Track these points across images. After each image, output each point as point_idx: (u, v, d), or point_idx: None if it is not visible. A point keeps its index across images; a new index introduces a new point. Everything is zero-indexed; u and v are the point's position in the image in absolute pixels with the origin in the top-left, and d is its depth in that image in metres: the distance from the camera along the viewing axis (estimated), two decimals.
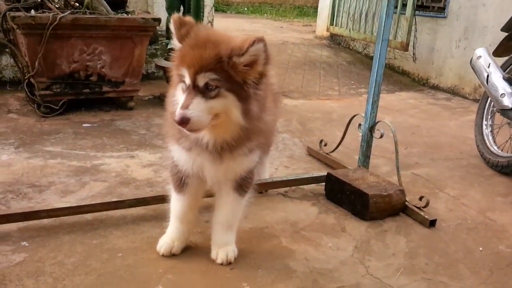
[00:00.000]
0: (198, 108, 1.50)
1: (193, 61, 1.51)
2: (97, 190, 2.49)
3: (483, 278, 2.00)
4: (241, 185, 1.85)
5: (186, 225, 1.97)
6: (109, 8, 3.88)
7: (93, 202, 2.22)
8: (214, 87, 1.51)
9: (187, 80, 1.53)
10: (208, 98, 1.52)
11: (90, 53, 3.70)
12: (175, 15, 1.64)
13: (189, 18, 1.66)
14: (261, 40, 1.50)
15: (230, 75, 1.52)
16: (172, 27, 1.61)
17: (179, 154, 1.79)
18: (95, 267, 1.85)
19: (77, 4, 3.90)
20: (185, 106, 1.50)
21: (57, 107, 3.64)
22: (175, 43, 1.62)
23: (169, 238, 1.97)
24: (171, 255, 1.96)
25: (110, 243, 2.02)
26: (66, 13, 3.52)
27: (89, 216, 2.20)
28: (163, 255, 1.95)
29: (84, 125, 3.50)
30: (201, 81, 1.51)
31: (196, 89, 1.51)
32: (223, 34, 1.63)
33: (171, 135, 1.79)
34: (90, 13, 3.70)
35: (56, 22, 3.40)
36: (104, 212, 2.22)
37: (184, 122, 1.48)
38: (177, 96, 1.60)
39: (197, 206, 2.01)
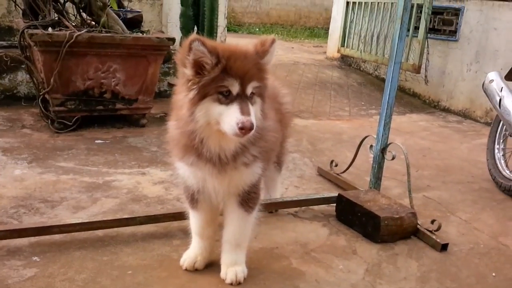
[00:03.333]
0: (253, 115, 1.59)
1: (242, 72, 1.59)
2: (109, 207, 2.50)
3: None
4: (246, 201, 1.85)
5: (206, 240, 1.99)
6: (124, 27, 3.96)
7: (104, 219, 2.24)
8: (253, 95, 1.63)
9: (235, 89, 1.57)
10: (252, 105, 1.61)
11: (105, 70, 3.75)
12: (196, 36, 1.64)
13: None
14: (275, 38, 1.65)
15: (262, 80, 1.65)
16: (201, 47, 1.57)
17: (183, 171, 1.83)
18: (105, 284, 1.85)
19: (93, 23, 4.00)
20: (248, 113, 1.56)
21: (71, 123, 3.68)
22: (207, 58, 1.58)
23: (192, 253, 2.00)
24: (194, 270, 1.98)
25: (120, 260, 2.02)
26: (82, 31, 3.59)
27: (100, 232, 2.21)
28: (186, 269, 1.97)
29: (96, 141, 3.54)
30: (249, 90, 1.60)
31: (245, 97, 1.59)
32: (239, 45, 1.73)
33: (175, 153, 1.82)
34: (106, 32, 3.77)
35: (72, 40, 3.47)
36: (115, 229, 2.23)
37: (252, 128, 1.55)
38: (210, 109, 1.59)
39: (215, 222, 2.01)
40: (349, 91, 6.15)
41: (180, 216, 2.19)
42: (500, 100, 3.09)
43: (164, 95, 4.94)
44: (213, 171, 1.73)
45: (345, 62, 7.47)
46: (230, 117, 1.55)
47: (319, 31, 12.92)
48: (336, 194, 2.66)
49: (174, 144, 1.81)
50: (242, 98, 1.58)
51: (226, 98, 1.57)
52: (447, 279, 2.11)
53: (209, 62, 1.57)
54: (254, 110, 1.62)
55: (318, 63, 7.47)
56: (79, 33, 3.54)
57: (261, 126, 1.71)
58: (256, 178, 1.84)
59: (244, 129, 1.53)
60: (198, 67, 1.59)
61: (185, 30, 4.60)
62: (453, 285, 2.07)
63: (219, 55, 1.58)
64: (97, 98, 3.78)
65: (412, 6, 5.44)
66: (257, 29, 12.73)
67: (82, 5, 3.95)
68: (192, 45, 1.56)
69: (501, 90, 3.12)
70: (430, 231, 2.40)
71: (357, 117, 5.09)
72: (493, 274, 2.19)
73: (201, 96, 1.59)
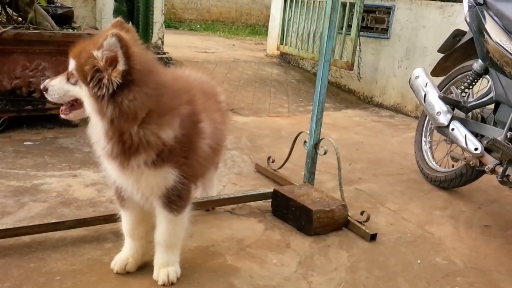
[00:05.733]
0: (57, 85, 1.70)
1: (72, 50, 1.67)
2: (36, 211, 2.41)
3: None
4: (169, 204, 1.81)
5: (138, 241, 1.95)
6: (54, 24, 3.81)
7: (30, 224, 2.14)
8: (73, 75, 1.65)
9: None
10: (70, 83, 1.68)
11: (33, 69, 3.60)
12: (119, 18, 1.73)
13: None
14: (115, 34, 1.53)
15: (85, 70, 1.60)
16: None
17: (105, 165, 1.80)
18: None
19: (20, 19, 3.81)
20: (52, 79, 1.72)
21: None
22: None
23: (123, 255, 1.96)
24: (125, 273, 1.94)
25: (48, 266, 1.95)
26: (7, 28, 3.42)
27: (26, 238, 2.12)
28: (117, 272, 1.93)
29: (25, 143, 3.38)
30: (70, 67, 1.66)
31: (68, 72, 1.68)
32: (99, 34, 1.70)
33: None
34: (34, 28, 3.62)
35: None
36: (43, 234, 2.15)
37: (43, 89, 1.72)
38: None
39: (147, 222, 1.97)
40: (288, 88, 6.25)
41: (112, 218, 2.14)
42: (425, 95, 3.25)
43: None
44: (116, 167, 1.72)
45: (284, 59, 7.58)
46: None
47: (260, 28, 13.01)
48: (272, 190, 2.70)
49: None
50: (67, 72, 1.68)
51: None
52: (375, 268, 2.21)
53: None
54: (74, 90, 1.67)
55: (258, 61, 7.52)
56: (4, 30, 3.37)
57: (127, 131, 1.63)
58: (169, 183, 1.76)
59: (41, 89, 1.73)
60: None
61: None
62: (380, 274, 2.17)
63: None
64: (26, 97, 3.61)
65: (345, 5, 5.63)
66: (198, 26, 12.64)
67: (8, 1, 3.76)
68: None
69: (426, 86, 3.27)
70: (360, 222, 2.50)
71: (296, 114, 5.18)
72: (418, 261, 2.32)
73: None
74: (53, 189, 2.68)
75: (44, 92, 1.72)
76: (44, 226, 2.13)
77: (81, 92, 1.64)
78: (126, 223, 1.94)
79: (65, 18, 4.15)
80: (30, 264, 1.96)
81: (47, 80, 1.72)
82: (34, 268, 1.93)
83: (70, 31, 3.87)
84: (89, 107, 1.62)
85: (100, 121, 1.62)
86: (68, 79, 1.67)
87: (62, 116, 1.79)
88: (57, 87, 1.69)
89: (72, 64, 1.64)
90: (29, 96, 3.62)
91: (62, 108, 1.76)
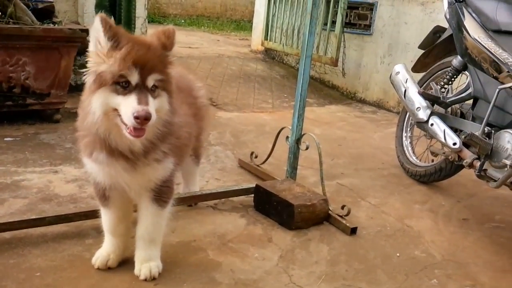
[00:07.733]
0: (153, 107, 1.54)
1: (142, 62, 1.54)
2: (17, 207, 2.39)
3: (399, 282, 2.12)
4: (160, 195, 1.84)
5: (119, 238, 1.96)
6: (34, 18, 3.76)
7: (11, 220, 2.13)
8: (156, 88, 1.59)
9: (134, 80, 1.53)
10: (153, 98, 1.58)
11: (13, 64, 3.55)
12: (102, 14, 1.58)
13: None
14: (174, 29, 1.67)
15: (166, 73, 1.62)
16: (99, 25, 1.54)
17: (91, 167, 1.78)
18: (10, 287, 1.77)
19: None
20: (146, 103, 1.51)
21: None
22: (102, 41, 1.55)
23: (104, 251, 1.96)
24: (107, 268, 1.94)
25: (28, 263, 1.94)
26: None
27: (6, 234, 2.10)
28: (98, 268, 1.93)
29: (5, 139, 3.34)
30: (150, 82, 1.56)
31: (145, 89, 1.55)
32: (142, 36, 1.69)
33: (83, 148, 1.76)
34: (14, 23, 3.56)
35: None
36: (23, 230, 2.13)
37: (148, 118, 1.49)
38: (106, 99, 1.54)
39: (128, 219, 1.99)
40: (272, 83, 6.26)
41: (93, 214, 2.14)
42: (405, 91, 3.29)
43: (81, 89, 4.73)
44: (125, 166, 1.70)
45: (269, 55, 7.58)
46: (126, 108, 1.51)
47: (245, 24, 12.98)
48: (254, 185, 2.72)
49: (82, 139, 1.76)
50: (141, 89, 1.54)
51: (124, 88, 1.53)
52: (355, 261, 2.24)
53: (102, 42, 1.54)
54: (158, 104, 1.61)
55: (242, 56, 7.51)
56: None
57: (170, 121, 1.71)
58: (169, 173, 1.84)
59: (139, 119, 1.49)
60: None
61: None
62: (360, 266, 2.20)
63: (119, 40, 1.54)
64: (6, 93, 3.56)
65: (330, 1, 5.66)
66: (183, 21, 12.56)
67: None
68: (94, 22, 1.54)
69: (406, 82, 3.32)
70: (341, 216, 2.53)
71: (280, 109, 5.20)
72: (398, 254, 2.36)
73: (98, 84, 1.54)
74: (34, 185, 2.66)
75: (145, 122, 1.50)
76: (24, 222, 2.12)
77: (162, 100, 1.63)
78: (107, 221, 1.94)
79: (45, 13, 4.09)
80: (10, 260, 1.95)
81: (142, 108, 1.48)
82: (14, 264, 1.92)
83: (51, 26, 3.82)
84: (167, 106, 1.65)
85: (170, 114, 1.68)
86: (152, 96, 1.56)
87: (139, 138, 1.58)
88: (159, 110, 1.59)
89: (154, 77, 1.56)
90: (10, 91, 3.57)
91: (142, 128, 1.54)
